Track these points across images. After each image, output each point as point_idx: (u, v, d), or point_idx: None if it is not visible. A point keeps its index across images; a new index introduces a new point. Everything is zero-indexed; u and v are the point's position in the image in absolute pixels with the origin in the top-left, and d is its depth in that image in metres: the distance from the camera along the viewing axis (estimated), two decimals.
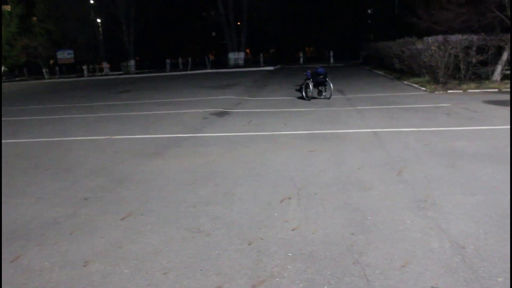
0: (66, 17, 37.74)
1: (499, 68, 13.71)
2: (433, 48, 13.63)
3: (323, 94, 12.39)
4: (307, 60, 36.06)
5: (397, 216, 3.77)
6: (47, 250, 3.44)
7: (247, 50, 41.71)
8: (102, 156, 6.68)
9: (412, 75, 15.99)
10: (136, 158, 6.41)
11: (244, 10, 36.15)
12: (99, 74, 36.62)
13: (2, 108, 14.18)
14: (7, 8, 38.07)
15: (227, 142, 7.27)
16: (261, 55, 35.91)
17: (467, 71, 13.48)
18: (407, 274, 2.83)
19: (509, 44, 13.32)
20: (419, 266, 2.92)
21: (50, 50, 36.45)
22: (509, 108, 8.90)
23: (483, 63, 13.76)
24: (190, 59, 34.24)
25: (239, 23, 37.64)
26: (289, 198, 4.34)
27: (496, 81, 13.46)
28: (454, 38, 13.47)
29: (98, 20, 39.08)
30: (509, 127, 7.11)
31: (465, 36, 13.39)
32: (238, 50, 37.45)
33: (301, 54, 36.61)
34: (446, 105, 10.10)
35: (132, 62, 37.42)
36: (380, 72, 21.06)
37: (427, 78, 14.61)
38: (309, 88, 12.05)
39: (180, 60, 36.16)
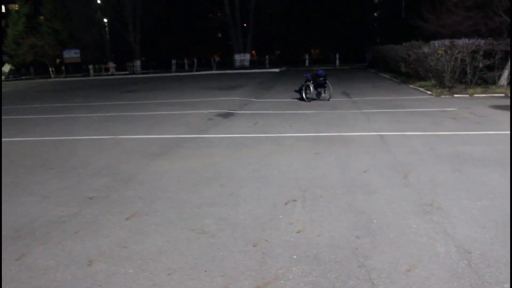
0: (73, 16, 38.05)
1: (506, 73, 13.62)
2: (439, 52, 13.58)
3: (322, 95, 12.55)
4: (312, 63, 35.96)
5: (402, 220, 3.75)
6: (52, 249, 3.45)
7: (253, 52, 41.76)
8: (107, 155, 6.70)
9: (418, 78, 15.92)
10: (141, 158, 6.42)
11: (251, 11, 36.21)
12: (105, 74, 36.74)
13: (9, 106, 14.27)
14: (14, 7, 38.43)
15: (232, 143, 7.27)
16: (267, 56, 35.92)
17: (474, 76, 13.43)
18: (412, 279, 2.81)
19: None
20: (425, 270, 2.91)
21: (57, 49, 36.61)
22: None
23: (490, 68, 13.69)
24: (195, 60, 34.30)
25: (245, 25, 37.71)
26: (294, 200, 4.33)
27: (502, 86, 13.37)
28: (461, 42, 13.41)
29: (105, 20, 39.31)
30: None
31: (472, 40, 13.33)
32: (244, 52, 37.52)
33: (306, 56, 36.54)
34: (452, 109, 10.05)
35: (138, 62, 37.56)
36: (386, 75, 21.00)
37: (433, 82, 14.54)
38: (310, 89, 12.18)
39: (185, 60, 36.25)
